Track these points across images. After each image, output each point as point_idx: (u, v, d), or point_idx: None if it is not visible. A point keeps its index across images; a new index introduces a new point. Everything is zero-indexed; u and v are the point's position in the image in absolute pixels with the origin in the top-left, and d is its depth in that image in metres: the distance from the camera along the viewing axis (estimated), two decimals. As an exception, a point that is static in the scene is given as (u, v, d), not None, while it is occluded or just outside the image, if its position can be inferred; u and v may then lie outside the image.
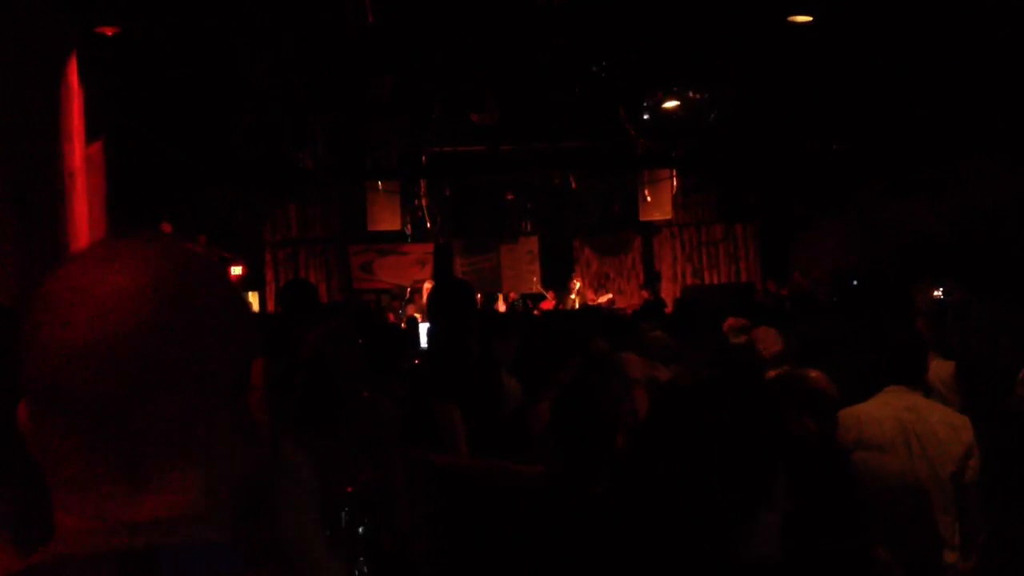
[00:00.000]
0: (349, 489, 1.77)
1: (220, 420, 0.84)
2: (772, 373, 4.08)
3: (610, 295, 14.80)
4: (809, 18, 8.30)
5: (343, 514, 1.73)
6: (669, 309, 11.17)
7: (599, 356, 3.68)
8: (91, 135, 6.80)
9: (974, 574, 2.51)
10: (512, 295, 14.56)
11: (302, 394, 2.10)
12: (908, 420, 3.22)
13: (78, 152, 6.46)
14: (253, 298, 13.67)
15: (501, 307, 13.75)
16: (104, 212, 7.10)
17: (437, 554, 2.04)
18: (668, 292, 14.74)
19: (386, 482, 1.91)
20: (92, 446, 0.79)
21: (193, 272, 0.84)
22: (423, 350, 5.18)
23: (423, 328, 6.32)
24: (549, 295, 14.67)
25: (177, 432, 0.81)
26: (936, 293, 4.60)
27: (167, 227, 11.47)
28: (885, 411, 3.28)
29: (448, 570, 2.10)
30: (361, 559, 1.74)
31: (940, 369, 4.26)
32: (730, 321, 5.30)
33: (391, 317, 12.37)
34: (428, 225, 15.13)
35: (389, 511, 1.88)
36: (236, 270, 13.22)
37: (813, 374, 3.12)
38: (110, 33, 6.76)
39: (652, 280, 15.28)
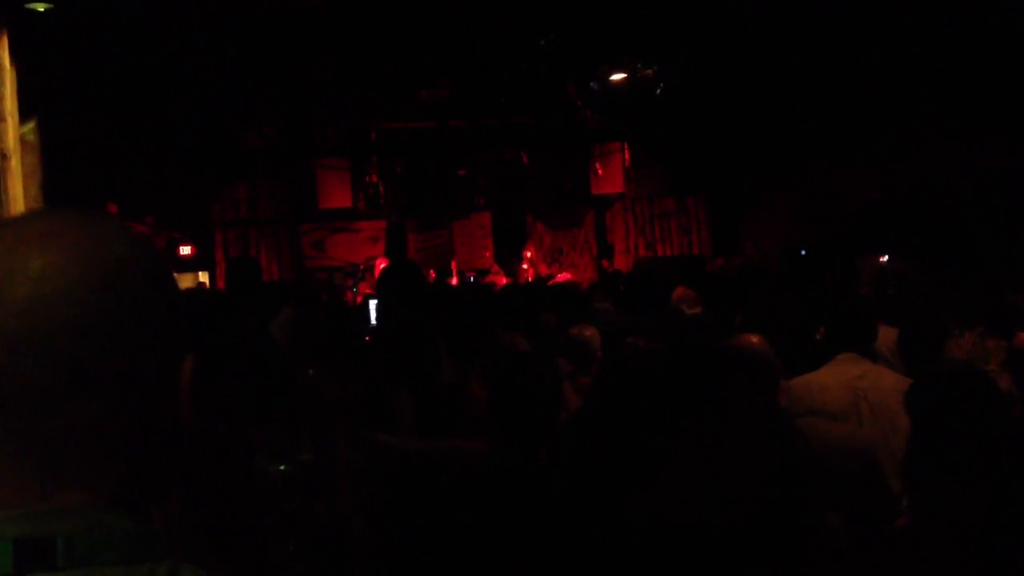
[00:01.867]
0: (281, 468, 1.77)
1: (145, 417, 0.80)
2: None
3: (569, 275, 14.80)
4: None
5: (273, 492, 1.73)
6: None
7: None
8: (25, 115, 6.64)
9: (901, 531, 2.56)
10: (471, 274, 14.50)
11: (241, 376, 2.08)
12: (860, 387, 3.23)
13: (12, 133, 6.32)
14: (204, 278, 13.44)
15: (453, 281, 13.70)
16: (41, 194, 6.96)
17: (379, 534, 2.03)
18: (621, 264, 14.84)
19: (326, 462, 1.90)
20: (14, 438, 0.75)
21: (133, 257, 0.80)
22: (373, 327, 5.16)
23: (373, 304, 6.29)
24: (494, 269, 14.64)
25: (101, 429, 0.78)
26: (880, 261, 4.67)
27: (112, 207, 11.22)
28: (838, 379, 3.28)
29: (390, 550, 2.09)
30: (289, 538, 1.74)
31: (885, 336, 4.33)
32: (680, 291, 5.29)
33: (349, 296, 12.24)
34: (382, 203, 15.01)
35: (328, 491, 1.88)
36: (185, 250, 12.98)
37: (753, 339, 3.08)
38: (42, 9, 6.57)
39: (607, 253, 15.34)
